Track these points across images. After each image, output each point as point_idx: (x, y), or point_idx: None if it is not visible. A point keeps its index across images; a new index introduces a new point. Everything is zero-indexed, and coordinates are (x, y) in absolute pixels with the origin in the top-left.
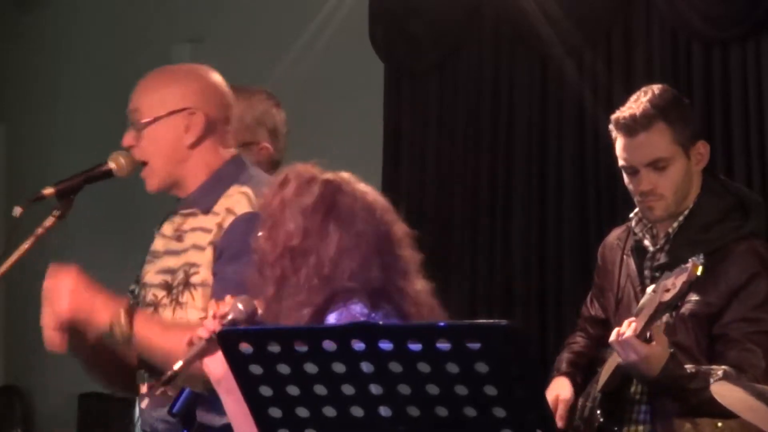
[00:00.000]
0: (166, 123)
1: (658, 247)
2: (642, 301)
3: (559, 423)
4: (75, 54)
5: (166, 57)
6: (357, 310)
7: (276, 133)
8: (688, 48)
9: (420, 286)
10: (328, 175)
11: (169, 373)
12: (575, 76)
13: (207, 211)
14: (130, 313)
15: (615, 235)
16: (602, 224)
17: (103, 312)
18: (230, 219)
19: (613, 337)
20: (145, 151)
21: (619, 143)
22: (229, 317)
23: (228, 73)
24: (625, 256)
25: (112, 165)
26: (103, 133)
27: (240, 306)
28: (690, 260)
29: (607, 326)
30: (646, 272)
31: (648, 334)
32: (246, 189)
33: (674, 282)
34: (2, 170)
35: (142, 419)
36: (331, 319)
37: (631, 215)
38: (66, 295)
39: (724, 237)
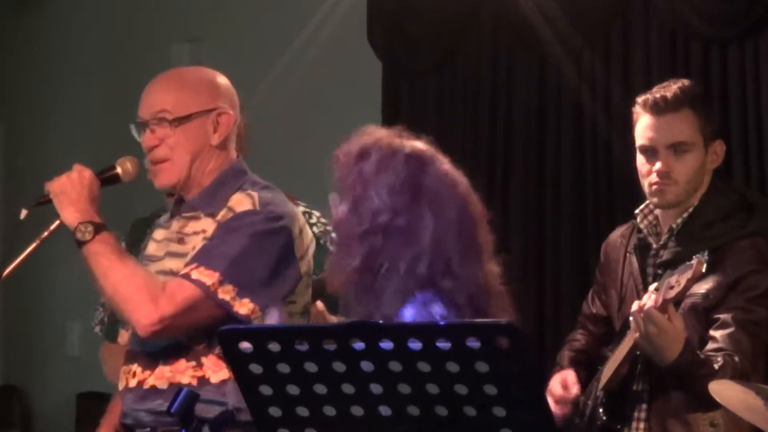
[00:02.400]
0: (198, 121)
1: (660, 244)
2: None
3: (563, 409)
4: (74, 54)
5: (166, 57)
6: (437, 311)
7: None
8: (687, 48)
9: (493, 271)
10: (410, 149)
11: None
12: (574, 76)
13: (211, 215)
14: (99, 229)
15: (618, 233)
16: (600, 223)
17: (74, 211)
18: (229, 215)
19: (634, 307)
20: (172, 149)
21: (643, 122)
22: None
23: (227, 72)
24: (628, 254)
25: (118, 170)
26: (103, 133)
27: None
28: (694, 257)
29: (608, 324)
30: (649, 269)
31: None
32: (252, 192)
33: (678, 279)
34: (1, 170)
35: (125, 414)
36: (407, 314)
37: (637, 211)
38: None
39: (728, 234)
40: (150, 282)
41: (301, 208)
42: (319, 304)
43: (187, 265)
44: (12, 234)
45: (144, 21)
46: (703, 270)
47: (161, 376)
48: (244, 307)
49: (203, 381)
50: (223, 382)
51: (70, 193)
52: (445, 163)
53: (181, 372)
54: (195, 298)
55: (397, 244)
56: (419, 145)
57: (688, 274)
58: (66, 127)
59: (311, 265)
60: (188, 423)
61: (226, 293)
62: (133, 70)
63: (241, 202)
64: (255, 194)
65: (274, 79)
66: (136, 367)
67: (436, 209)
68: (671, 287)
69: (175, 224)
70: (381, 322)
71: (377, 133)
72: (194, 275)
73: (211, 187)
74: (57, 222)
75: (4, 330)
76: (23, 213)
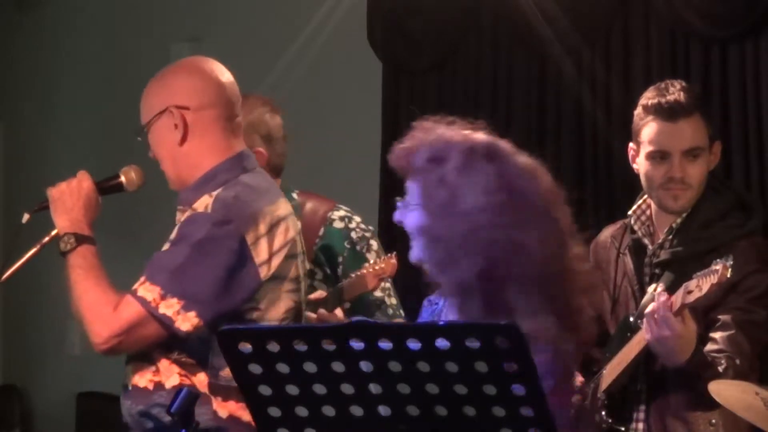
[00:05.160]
0: (156, 126)
1: (658, 244)
2: (644, 299)
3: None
4: (74, 53)
5: (165, 56)
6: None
7: (270, 138)
8: (687, 47)
9: (578, 253)
10: (484, 146)
11: None
12: (573, 75)
13: (188, 208)
14: (81, 241)
15: (608, 233)
16: (600, 222)
17: (65, 219)
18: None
19: (648, 311)
20: (155, 155)
21: (653, 128)
22: None
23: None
24: (621, 255)
25: (122, 179)
26: (102, 133)
27: None
28: (719, 262)
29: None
30: (646, 270)
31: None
32: (216, 192)
33: (699, 284)
34: (1, 168)
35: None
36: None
37: (630, 212)
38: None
39: (726, 235)
40: (102, 301)
41: (341, 212)
42: (339, 312)
43: (141, 275)
44: (11, 232)
45: (144, 21)
46: (728, 275)
47: (127, 376)
48: (187, 322)
49: (159, 386)
50: (176, 387)
51: (66, 201)
52: (519, 154)
53: (142, 375)
54: (139, 316)
55: (513, 248)
56: (489, 138)
57: (713, 279)
58: (65, 126)
59: (301, 269)
60: (188, 423)
61: (168, 307)
62: (132, 70)
63: (202, 203)
64: (214, 195)
65: (274, 79)
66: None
67: (530, 206)
68: (689, 291)
69: (177, 215)
70: (379, 322)
71: (440, 131)
72: (140, 291)
73: (199, 182)
74: (57, 229)
75: (4, 330)
76: (25, 217)
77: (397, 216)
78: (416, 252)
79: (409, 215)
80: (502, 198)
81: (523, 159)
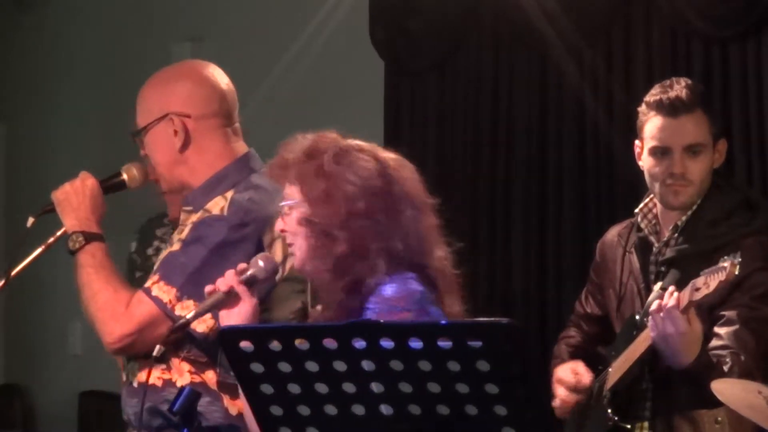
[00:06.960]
0: (155, 131)
1: (663, 242)
2: (650, 297)
3: (577, 397)
4: (75, 53)
5: (166, 56)
6: (414, 287)
7: None
8: (688, 46)
9: (444, 255)
10: (356, 144)
11: (182, 321)
12: (575, 74)
13: (199, 209)
14: (90, 239)
15: (615, 232)
16: (602, 222)
17: (73, 218)
18: (203, 217)
19: (654, 307)
20: (149, 157)
21: (655, 123)
22: (249, 273)
23: (228, 72)
24: (627, 253)
25: (125, 176)
26: (103, 134)
27: (261, 263)
28: (727, 260)
29: (602, 324)
30: (651, 268)
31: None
32: (229, 194)
33: (707, 281)
34: (1, 170)
35: (123, 410)
36: (389, 290)
37: (636, 210)
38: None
39: (732, 233)
40: (114, 299)
41: None
42: None
43: (153, 273)
44: (13, 232)
45: (144, 20)
46: (737, 273)
47: (132, 373)
48: (203, 323)
49: (169, 383)
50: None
51: (72, 201)
52: (390, 152)
53: (150, 373)
54: (153, 316)
55: (381, 228)
56: (358, 141)
57: (721, 276)
58: (66, 126)
59: None
60: (190, 422)
61: (185, 309)
62: (133, 70)
63: (216, 204)
64: (229, 197)
65: (275, 79)
66: (125, 364)
67: (406, 192)
68: (697, 289)
69: (183, 215)
70: (381, 321)
71: (311, 137)
72: (154, 291)
73: (208, 183)
74: (63, 229)
75: (6, 329)
76: (30, 220)
77: (277, 225)
78: (299, 255)
79: (290, 216)
80: (376, 184)
81: (391, 154)
